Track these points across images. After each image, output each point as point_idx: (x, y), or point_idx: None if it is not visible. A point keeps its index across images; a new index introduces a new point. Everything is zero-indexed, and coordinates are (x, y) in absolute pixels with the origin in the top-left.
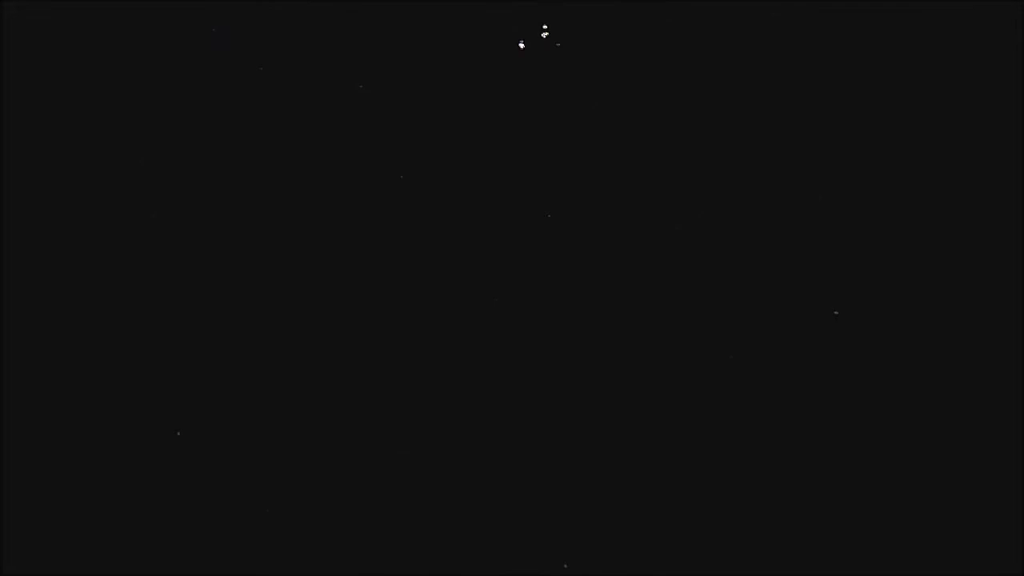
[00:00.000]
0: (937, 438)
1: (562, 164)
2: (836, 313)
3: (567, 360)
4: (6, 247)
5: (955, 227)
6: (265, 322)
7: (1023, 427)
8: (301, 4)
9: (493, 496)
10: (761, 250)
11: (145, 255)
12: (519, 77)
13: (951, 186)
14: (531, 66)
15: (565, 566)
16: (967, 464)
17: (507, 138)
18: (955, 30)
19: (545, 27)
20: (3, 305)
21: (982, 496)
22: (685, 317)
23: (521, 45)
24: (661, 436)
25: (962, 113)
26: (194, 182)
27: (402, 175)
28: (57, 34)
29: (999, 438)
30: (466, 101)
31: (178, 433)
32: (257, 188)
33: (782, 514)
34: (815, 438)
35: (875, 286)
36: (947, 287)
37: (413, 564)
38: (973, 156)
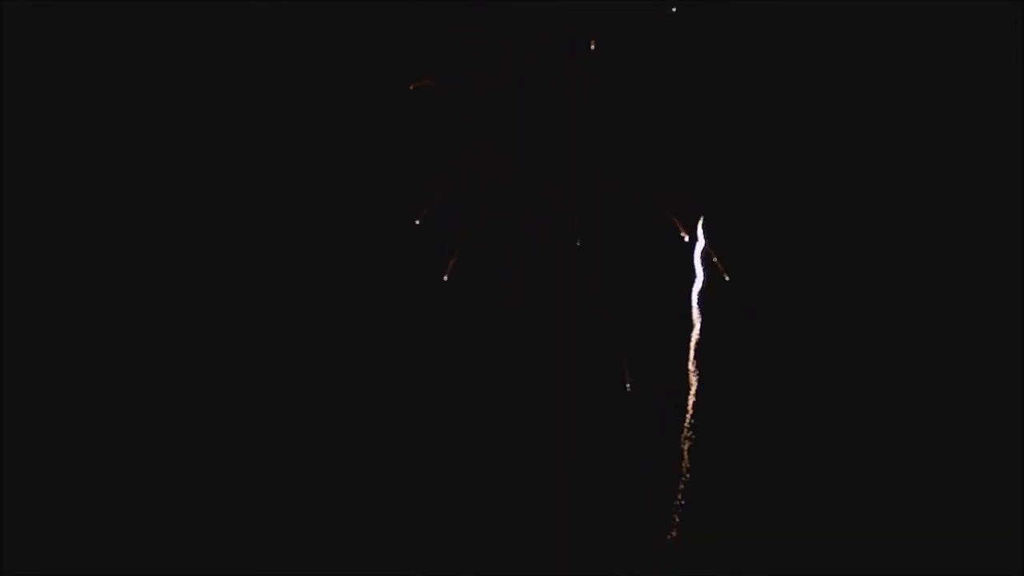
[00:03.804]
0: (937, 438)
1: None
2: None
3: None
4: (6, 245)
5: (955, 224)
6: (257, 323)
7: (1023, 427)
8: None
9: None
10: (761, 251)
11: (142, 254)
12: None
13: (952, 183)
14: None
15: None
16: (967, 464)
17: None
18: (955, 30)
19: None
20: (3, 305)
21: (982, 496)
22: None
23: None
24: (660, 436)
25: (962, 111)
26: (192, 182)
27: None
28: (57, 34)
29: (999, 439)
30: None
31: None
32: (259, 190)
33: (782, 515)
34: (815, 439)
35: (874, 285)
36: (948, 282)
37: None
38: (973, 154)
